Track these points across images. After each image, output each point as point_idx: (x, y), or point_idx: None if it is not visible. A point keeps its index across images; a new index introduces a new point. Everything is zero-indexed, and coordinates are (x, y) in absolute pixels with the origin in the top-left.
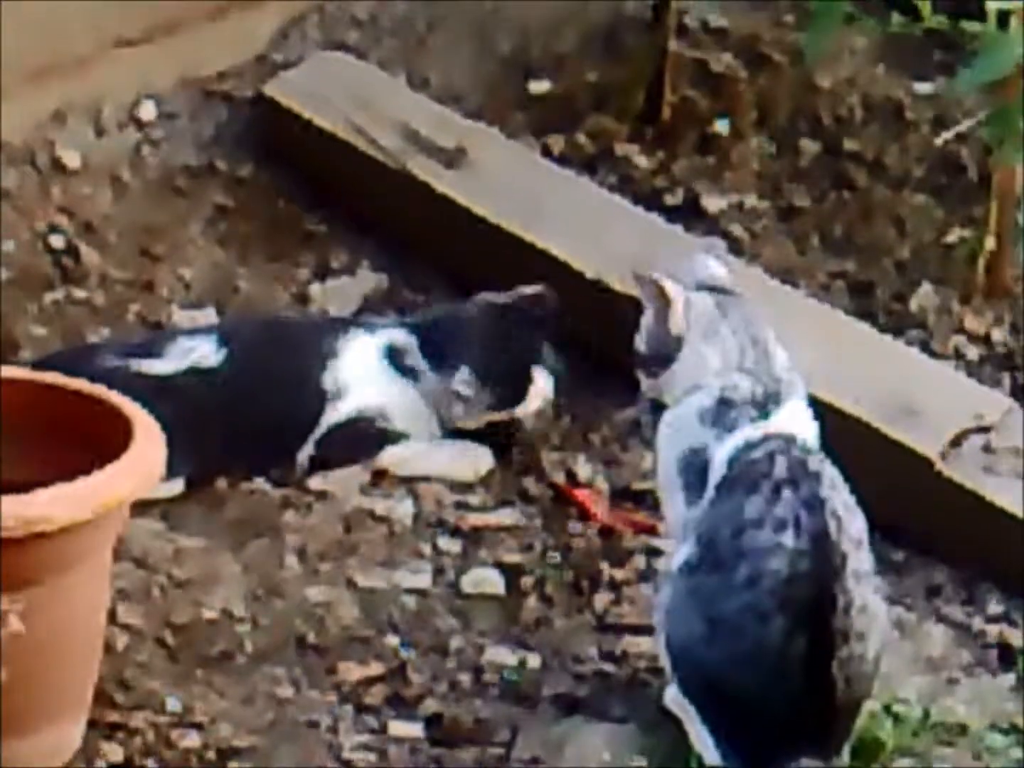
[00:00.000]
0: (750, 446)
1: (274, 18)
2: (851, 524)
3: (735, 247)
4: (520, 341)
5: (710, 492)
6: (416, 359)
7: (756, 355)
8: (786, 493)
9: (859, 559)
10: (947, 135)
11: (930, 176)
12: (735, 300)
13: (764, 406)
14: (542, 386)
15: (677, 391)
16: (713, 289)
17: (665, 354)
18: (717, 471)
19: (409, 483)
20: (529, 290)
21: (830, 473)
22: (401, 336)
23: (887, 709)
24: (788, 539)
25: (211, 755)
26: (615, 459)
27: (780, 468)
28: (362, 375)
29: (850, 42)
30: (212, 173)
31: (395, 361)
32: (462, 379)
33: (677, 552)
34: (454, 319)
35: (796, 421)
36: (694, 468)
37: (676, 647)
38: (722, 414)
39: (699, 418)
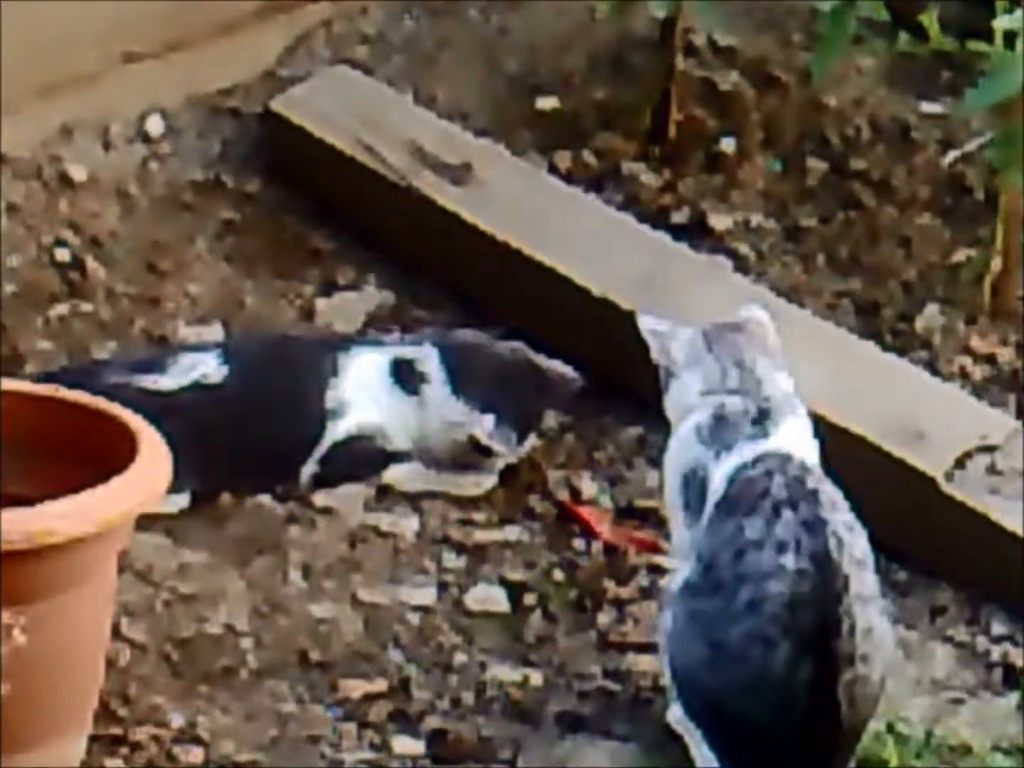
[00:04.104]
0: (746, 465)
1: (282, 34)
2: (854, 545)
3: (741, 266)
4: (534, 408)
5: (709, 511)
6: (434, 376)
7: (741, 376)
8: (786, 514)
9: (862, 580)
10: (954, 156)
11: (936, 196)
12: (726, 331)
13: (760, 424)
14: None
15: (674, 418)
16: (724, 325)
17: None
18: (715, 490)
19: (413, 499)
20: (562, 369)
21: (829, 492)
22: (414, 351)
23: (890, 729)
24: (789, 561)
25: None
26: (620, 477)
27: (778, 488)
28: (363, 393)
29: (857, 62)
30: (219, 189)
31: (400, 377)
32: (486, 426)
33: (678, 572)
34: (486, 358)
35: (794, 440)
36: (693, 487)
37: (679, 670)
38: (718, 431)
39: (696, 435)
